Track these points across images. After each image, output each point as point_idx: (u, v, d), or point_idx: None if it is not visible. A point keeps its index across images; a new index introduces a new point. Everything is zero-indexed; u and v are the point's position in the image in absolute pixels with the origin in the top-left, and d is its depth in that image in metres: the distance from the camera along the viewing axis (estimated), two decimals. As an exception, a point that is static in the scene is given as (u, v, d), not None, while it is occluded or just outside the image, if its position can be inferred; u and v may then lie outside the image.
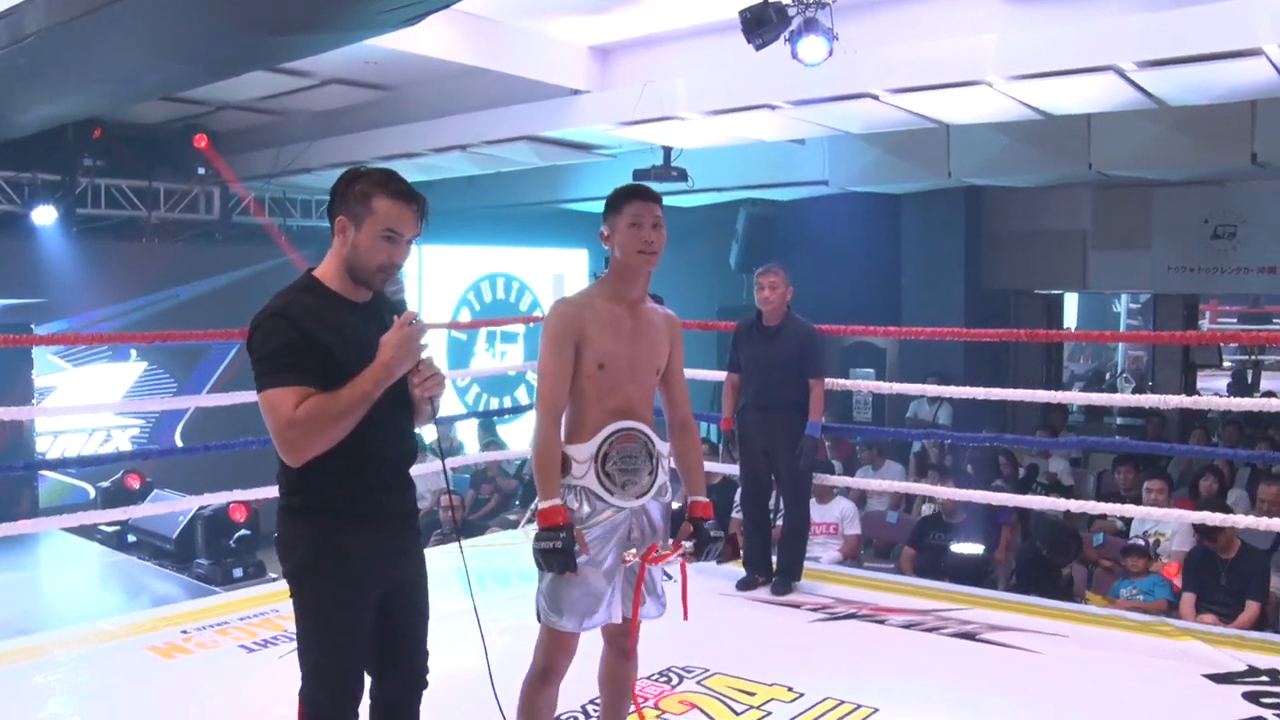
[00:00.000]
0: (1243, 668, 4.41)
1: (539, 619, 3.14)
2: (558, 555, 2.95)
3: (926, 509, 8.36)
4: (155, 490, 8.91)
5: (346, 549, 2.63)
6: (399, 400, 2.65)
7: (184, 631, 4.97)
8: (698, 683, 4.22)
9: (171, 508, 7.67)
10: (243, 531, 8.00)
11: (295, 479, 2.60)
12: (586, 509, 3.07)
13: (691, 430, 3.37)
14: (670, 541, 3.23)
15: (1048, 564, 6.94)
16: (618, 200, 3.19)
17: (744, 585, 5.68)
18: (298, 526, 2.65)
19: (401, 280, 2.69)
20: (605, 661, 3.31)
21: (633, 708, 3.42)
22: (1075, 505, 5.71)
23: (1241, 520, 5.26)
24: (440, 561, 6.26)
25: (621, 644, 3.25)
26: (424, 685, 2.91)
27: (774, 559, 5.81)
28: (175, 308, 11.39)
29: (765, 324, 5.72)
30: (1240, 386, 16.20)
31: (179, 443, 11.51)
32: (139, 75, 6.81)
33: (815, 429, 5.61)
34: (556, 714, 3.33)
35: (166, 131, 10.66)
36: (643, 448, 3.14)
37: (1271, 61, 5.74)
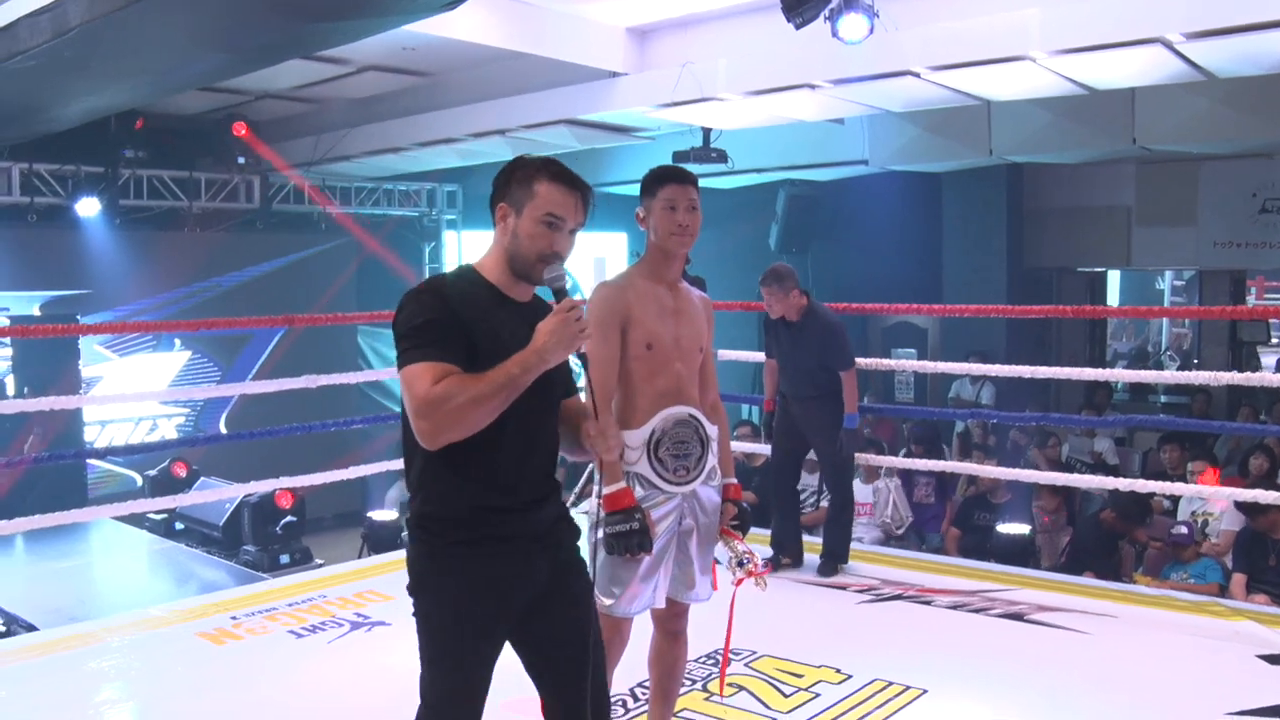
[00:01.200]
0: (1298, 648, 4.35)
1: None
2: (634, 536, 2.92)
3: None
4: (202, 478, 9.02)
5: (460, 571, 2.44)
6: (541, 408, 2.50)
7: (233, 618, 5.02)
8: (745, 665, 4.22)
9: (218, 495, 7.76)
10: (289, 518, 8.07)
11: (416, 483, 2.47)
12: (641, 492, 3.07)
13: (721, 413, 3.35)
14: (762, 561, 3.24)
15: (1109, 537, 6.86)
16: (652, 183, 3.18)
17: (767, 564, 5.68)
18: (415, 538, 2.49)
19: (565, 272, 2.52)
20: (654, 644, 3.32)
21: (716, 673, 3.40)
22: (1124, 484, 5.65)
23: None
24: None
25: (671, 626, 3.25)
26: None
27: (803, 540, 5.88)
28: (218, 297, 11.49)
29: (787, 320, 5.70)
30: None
31: (224, 430, 11.63)
32: (180, 65, 6.86)
33: (853, 420, 5.60)
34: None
35: (206, 122, 10.74)
36: (694, 432, 3.13)
37: (1323, 30, 5.62)
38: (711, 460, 3.19)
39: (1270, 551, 5.97)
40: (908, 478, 8.24)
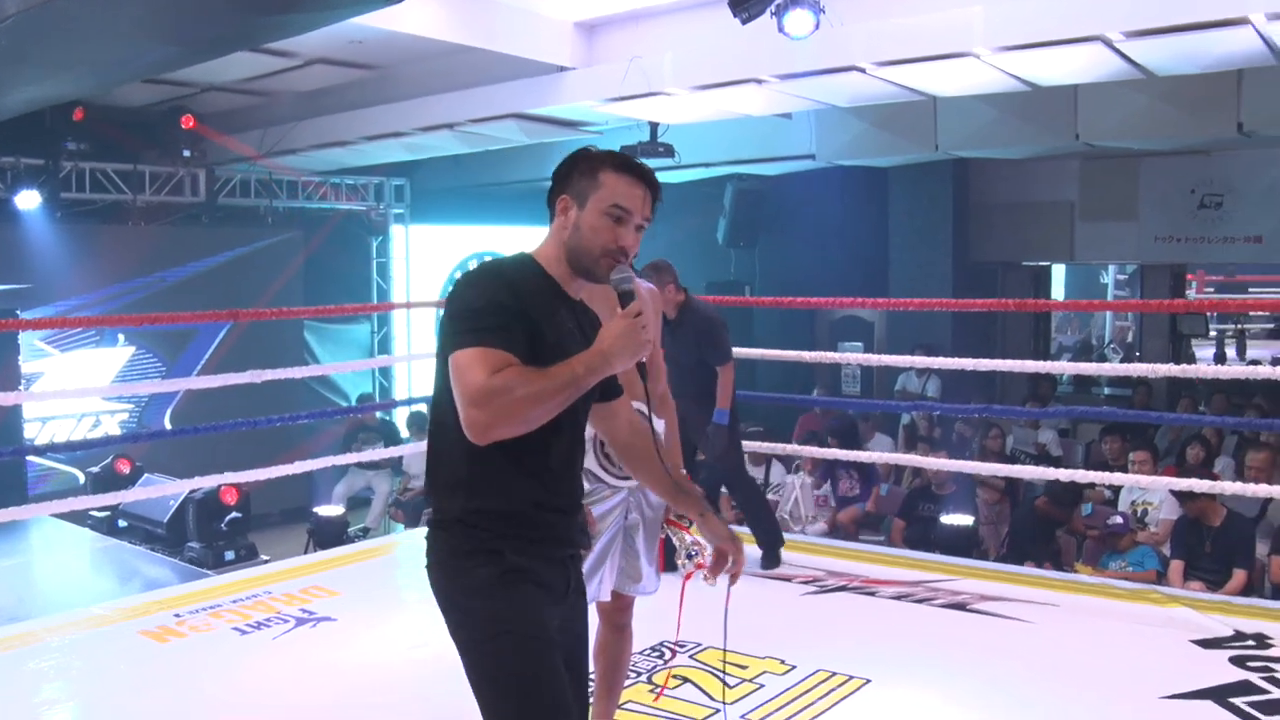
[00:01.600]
0: (1229, 633, 4.45)
1: None
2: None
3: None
4: (145, 474, 8.90)
5: (526, 571, 2.27)
6: (585, 410, 2.46)
7: (177, 615, 4.98)
8: (690, 657, 4.25)
9: (162, 491, 7.67)
10: (234, 514, 7.99)
11: (463, 479, 2.27)
12: (587, 487, 3.08)
13: (669, 404, 3.37)
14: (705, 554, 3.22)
15: (1044, 524, 6.97)
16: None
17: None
18: (459, 536, 2.28)
19: (632, 274, 2.38)
20: (600, 637, 3.33)
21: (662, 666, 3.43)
22: (1064, 474, 5.73)
23: (1228, 487, 5.30)
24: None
25: (617, 619, 3.27)
26: None
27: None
28: (162, 291, 11.34)
29: (666, 318, 5.48)
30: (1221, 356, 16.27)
31: (168, 426, 11.49)
32: (123, 57, 6.75)
33: (721, 416, 5.49)
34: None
35: (151, 114, 10.59)
36: None
37: (1258, 30, 5.73)
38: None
39: (1205, 539, 6.10)
40: (830, 472, 8.32)
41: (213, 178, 11.35)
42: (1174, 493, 6.44)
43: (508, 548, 2.25)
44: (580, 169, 2.36)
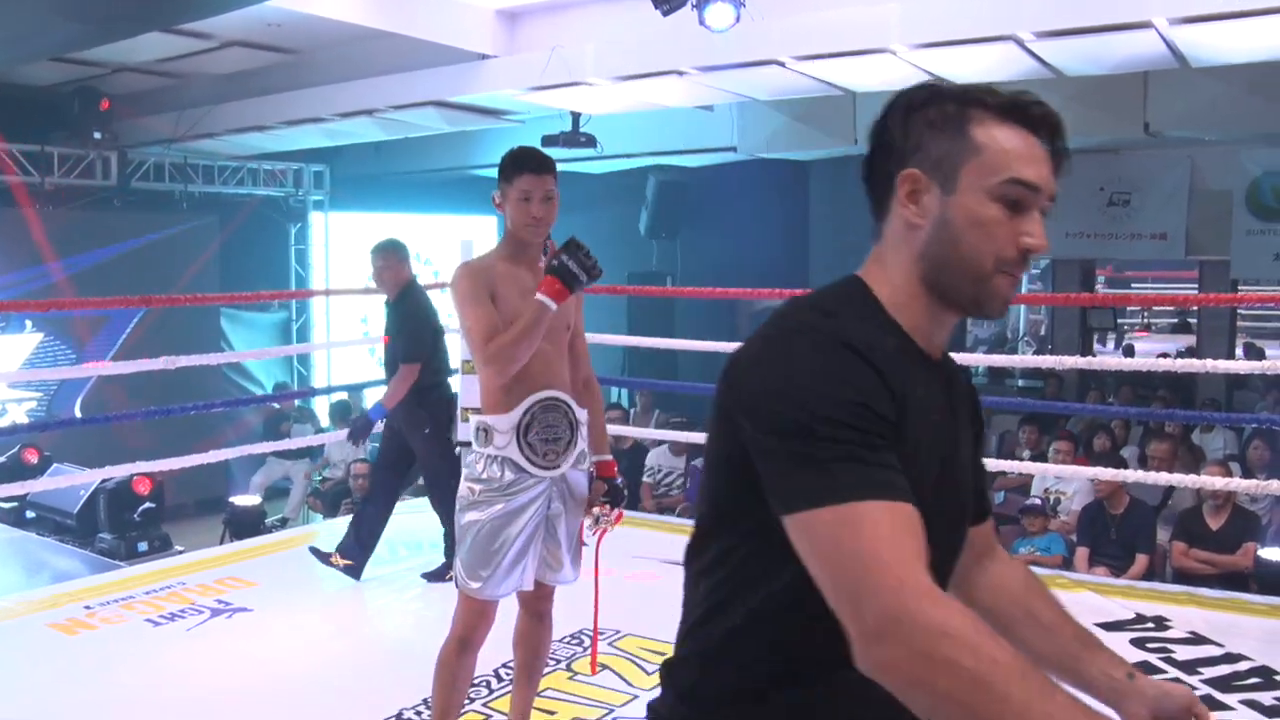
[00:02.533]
0: (1131, 615, 4.60)
1: (457, 587, 3.16)
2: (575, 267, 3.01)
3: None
4: (54, 464, 8.69)
5: None
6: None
7: (87, 607, 4.88)
8: (609, 644, 4.28)
9: (72, 481, 7.50)
10: (147, 504, 7.84)
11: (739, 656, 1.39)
12: (510, 476, 3.08)
13: (595, 390, 3.39)
14: (613, 512, 3.30)
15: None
16: (509, 169, 3.14)
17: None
18: None
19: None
20: (519, 625, 3.34)
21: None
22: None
23: (1132, 475, 5.47)
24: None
25: (537, 608, 3.29)
26: None
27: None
28: (73, 277, 11.06)
29: (388, 300, 5.50)
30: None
31: (79, 415, 11.23)
32: (27, 34, 6.59)
33: (374, 412, 5.41)
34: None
35: (60, 94, 10.33)
36: (564, 416, 3.15)
37: (1161, 34, 5.92)
38: (581, 444, 3.22)
39: (1110, 526, 6.30)
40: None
41: (125, 160, 11.10)
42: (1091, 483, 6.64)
43: None
44: (931, 120, 1.40)
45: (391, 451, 5.47)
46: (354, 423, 5.42)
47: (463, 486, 3.13)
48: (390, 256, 5.40)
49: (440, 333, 5.50)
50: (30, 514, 8.28)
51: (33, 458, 8.70)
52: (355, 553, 5.24)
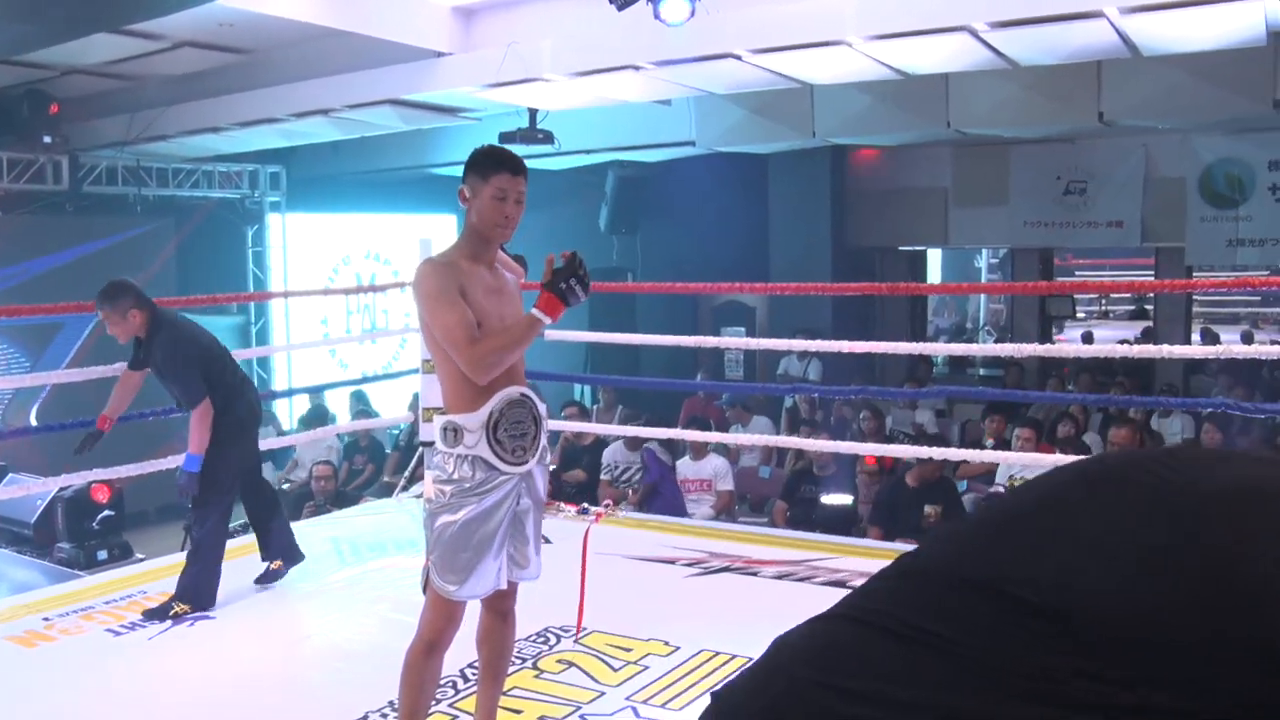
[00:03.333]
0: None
1: (424, 590, 3.14)
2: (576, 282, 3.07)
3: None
4: (10, 474, 8.56)
5: None
6: None
7: (45, 619, 4.81)
8: (575, 641, 4.27)
9: (28, 490, 7.39)
10: (106, 512, 7.74)
11: None
12: (481, 475, 3.06)
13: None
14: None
15: (912, 496, 7.14)
16: (485, 165, 3.11)
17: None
18: None
19: None
20: (483, 624, 3.33)
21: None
22: (938, 452, 5.91)
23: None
24: (314, 533, 6.20)
25: (500, 606, 3.27)
26: None
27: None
28: (26, 283, 10.89)
29: (140, 339, 5.00)
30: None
31: (34, 423, 11.06)
32: (-26, 38, 6.49)
33: (190, 463, 4.83)
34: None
35: (7, 97, 10.15)
36: (529, 412, 3.15)
37: (1112, 24, 5.97)
38: (543, 439, 3.22)
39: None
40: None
41: (76, 164, 10.94)
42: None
43: None
44: None
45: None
46: (184, 481, 4.86)
47: (431, 489, 3.10)
48: (118, 302, 4.83)
49: (213, 357, 5.05)
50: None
51: (-15, 467, 8.58)
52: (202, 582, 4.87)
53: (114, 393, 5.24)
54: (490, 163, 3.10)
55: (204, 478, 4.87)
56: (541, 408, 3.21)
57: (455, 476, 3.05)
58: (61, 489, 7.47)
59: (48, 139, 10.16)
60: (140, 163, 11.42)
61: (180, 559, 5.48)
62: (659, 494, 7.83)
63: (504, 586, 3.14)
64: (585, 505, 3.31)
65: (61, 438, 8.24)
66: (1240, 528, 0.81)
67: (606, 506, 3.24)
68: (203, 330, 5.23)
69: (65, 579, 5.95)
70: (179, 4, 6.01)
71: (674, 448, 8.62)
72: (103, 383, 5.77)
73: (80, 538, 7.63)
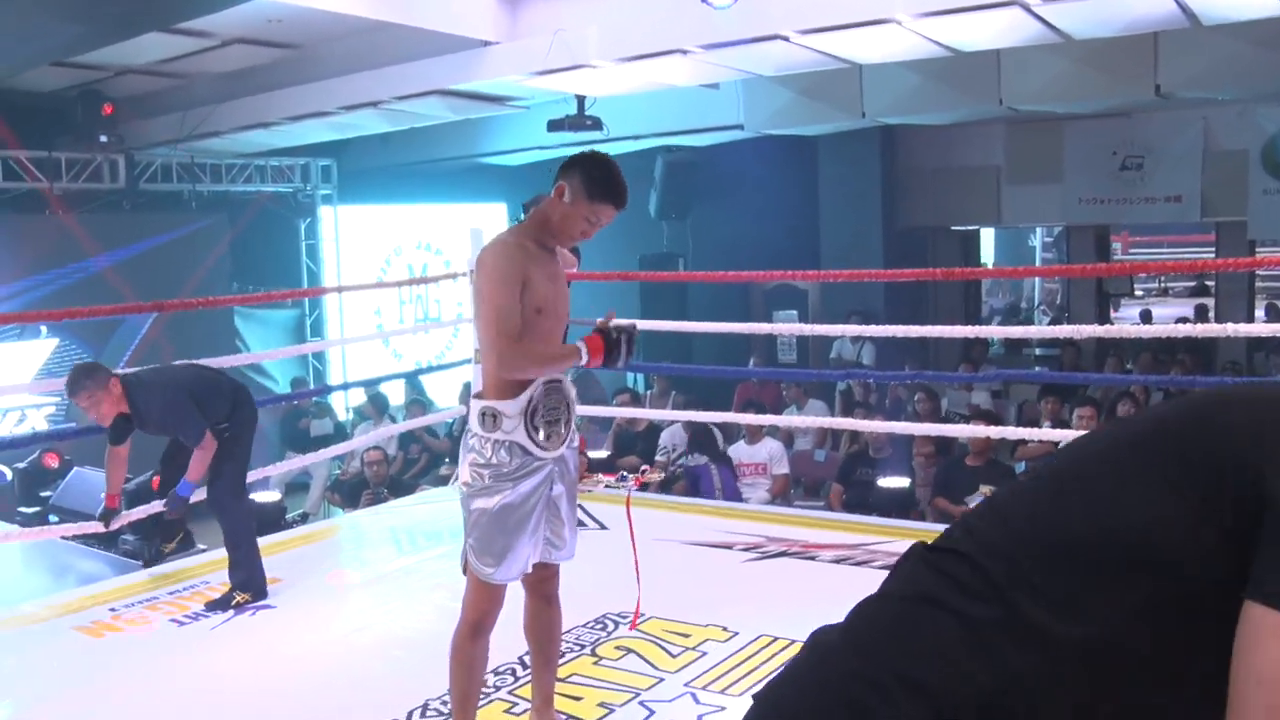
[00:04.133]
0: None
1: (464, 572, 3.15)
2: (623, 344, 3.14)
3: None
4: (75, 468, 8.71)
5: None
6: None
7: (112, 609, 4.89)
8: (634, 628, 4.26)
9: (93, 484, 7.51)
10: (167, 505, 7.86)
11: None
12: (516, 462, 3.07)
13: None
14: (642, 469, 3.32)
15: (970, 477, 7.07)
16: (599, 189, 3.07)
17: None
18: None
19: None
20: (529, 611, 3.34)
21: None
22: (995, 431, 5.84)
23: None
24: (372, 522, 6.25)
25: (544, 591, 3.29)
26: None
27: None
28: (86, 280, 11.08)
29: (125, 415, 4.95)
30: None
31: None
32: (28, 38, 6.59)
33: (184, 488, 5.07)
34: (494, 667, 3.36)
35: (64, 99, 10.32)
36: (562, 398, 3.16)
37: (1171, -9, 5.84)
38: (574, 423, 3.24)
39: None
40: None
41: (132, 163, 11.10)
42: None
43: None
44: None
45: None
46: (169, 502, 5.14)
47: (467, 472, 3.11)
48: (96, 376, 4.81)
49: (199, 387, 5.03)
50: (54, 518, 8.31)
51: (53, 462, 8.73)
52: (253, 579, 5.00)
53: (108, 472, 5.25)
54: (604, 189, 3.10)
55: (220, 484, 4.99)
56: (572, 392, 3.23)
57: (493, 461, 3.06)
58: (125, 482, 7.59)
59: (104, 138, 10.31)
60: (194, 159, 11.57)
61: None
62: (696, 487, 7.82)
63: (529, 570, 3.15)
64: (623, 473, 3.31)
65: (123, 432, 8.36)
66: None
67: (644, 472, 3.25)
68: (174, 369, 5.31)
69: (129, 570, 6.04)
70: (227, 1, 6.05)
71: (729, 431, 8.59)
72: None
73: (145, 531, 7.74)
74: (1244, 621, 1.10)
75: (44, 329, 11.13)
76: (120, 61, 9.20)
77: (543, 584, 3.27)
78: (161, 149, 11.12)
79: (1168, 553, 1.14)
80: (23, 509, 8.30)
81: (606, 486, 3.25)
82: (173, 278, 11.08)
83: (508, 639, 3.27)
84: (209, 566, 5.55)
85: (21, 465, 8.86)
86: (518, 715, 3.54)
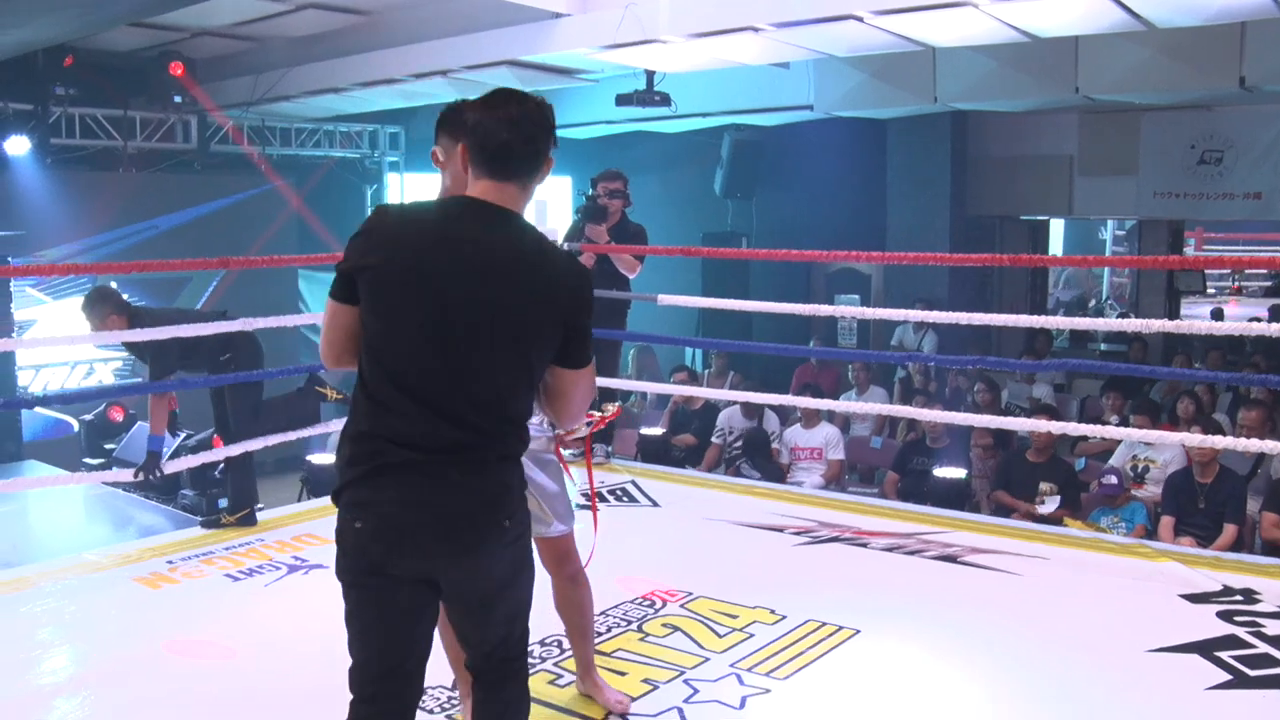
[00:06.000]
0: (1217, 587, 4.46)
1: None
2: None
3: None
4: (139, 422, 8.88)
5: None
6: None
7: (169, 562, 4.98)
8: (681, 606, 4.26)
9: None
10: (227, 462, 7.98)
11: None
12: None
13: None
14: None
15: (1029, 472, 6.97)
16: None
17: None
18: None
19: None
20: (557, 591, 3.37)
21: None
22: (1056, 426, 5.74)
23: (1221, 441, 5.30)
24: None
25: (564, 571, 3.33)
26: None
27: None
28: (155, 239, 11.27)
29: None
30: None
31: (162, 375, 11.44)
32: (109, -1, 6.68)
33: (155, 443, 5.43)
34: (540, 638, 3.40)
35: (140, 59, 10.46)
36: None
37: (1261, -20, 5.67)
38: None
39: (1199, 495, 6.11)
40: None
41: (205, 124, 11.24)
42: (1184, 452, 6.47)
43: None
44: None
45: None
46: (144, 467, 5.36)
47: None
48: (91, 316, 5.35)
49: (191, 341, 5.49)
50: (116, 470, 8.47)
51: (118, 416, 8.91)
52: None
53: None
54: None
55: (239, 405, 5.59)
56: None
57: None
58: (185, 438, 7.72)
59: (178, 99, 10.44)
60: (265, 122, 11.68)
61: (300, 508, 5.65)
62: (738, 470, 7.84)
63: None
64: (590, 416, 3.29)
65: (186, 390, 8.52)
66: None
67: (605, 410, 3.27)
68: (176, 312, 5.98)
69: (188, 525, 6.14)
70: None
71: (784, 414, 8.54)
72: (226, 336, 5.91)
73: (203, 486, 7.88)
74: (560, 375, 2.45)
75: (113, 284, 11.32)
76: (196, 23, 9.30)
77: (559, 564, 3.31)
78: (233, 111, 11.25)
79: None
80: (88, 460, 8.48)
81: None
82: (240, 239, 11.23)
83: (551, 618, 3.30)
84: (264, 525, 5.63)
85: (88, 417, 9.05)
86: (562, 687, 3.55)
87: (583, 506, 3.59)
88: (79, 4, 6.79)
